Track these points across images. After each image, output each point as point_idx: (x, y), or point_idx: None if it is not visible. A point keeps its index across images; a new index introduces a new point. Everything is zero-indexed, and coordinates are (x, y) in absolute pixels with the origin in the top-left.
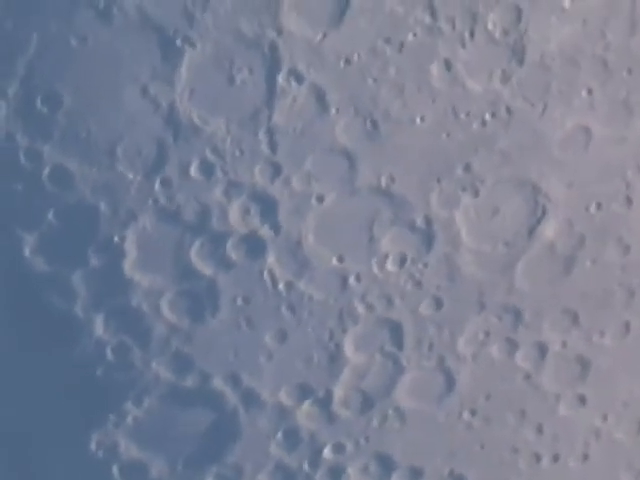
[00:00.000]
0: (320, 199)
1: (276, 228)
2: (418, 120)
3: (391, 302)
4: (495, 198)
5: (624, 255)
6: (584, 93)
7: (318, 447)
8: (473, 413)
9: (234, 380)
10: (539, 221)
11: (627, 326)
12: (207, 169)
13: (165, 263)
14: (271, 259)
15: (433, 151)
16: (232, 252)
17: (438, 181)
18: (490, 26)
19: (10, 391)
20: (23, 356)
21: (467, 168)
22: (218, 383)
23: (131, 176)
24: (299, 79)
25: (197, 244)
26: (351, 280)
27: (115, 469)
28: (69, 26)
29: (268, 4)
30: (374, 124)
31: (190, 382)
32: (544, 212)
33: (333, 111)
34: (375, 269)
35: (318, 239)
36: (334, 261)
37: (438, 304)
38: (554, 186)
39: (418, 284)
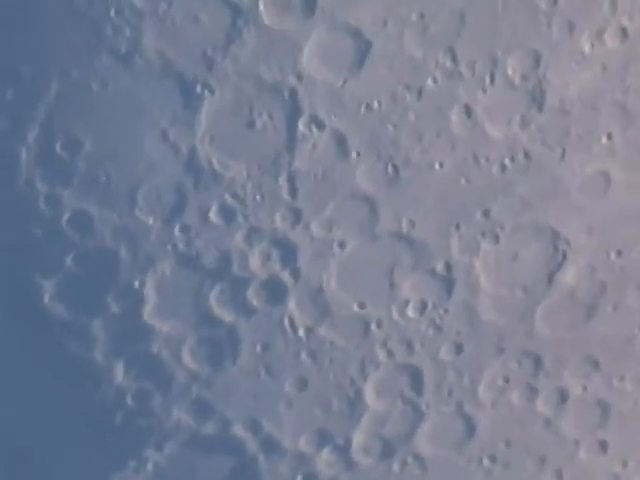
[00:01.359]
0: (341, 245)
1: (296, 274)
2: (438, 165)
3: (411, 348)
4: (514, 244)
5: None
6: (604, 138)
7: None
8: (493, 459)
9: (254, 426)
10: (559, 267)
11: None
12: (227, 214)
13: (185, 309)
14: (292, 305)
15: (453, 196)
16: (252, 298)
17: (457, 227)
18: (510, 71)
19: (31, 438)
20: (44, 403)
21: (486, 213)
22: (238, 429)
23: (151, 221)
24: (320, 125)
25: (217, 290)
26: (372, 326)
27: None
28: (90, 71)
29: (289, 50)
30: (394, 169)
31: (210, 428)
32: (564, 258)
33: (354, 156)
34: (396, 315)
35: (339, 285)
36: (355, 307)
37: (458, 350)
38: (574, 232)
39: (438, 330)
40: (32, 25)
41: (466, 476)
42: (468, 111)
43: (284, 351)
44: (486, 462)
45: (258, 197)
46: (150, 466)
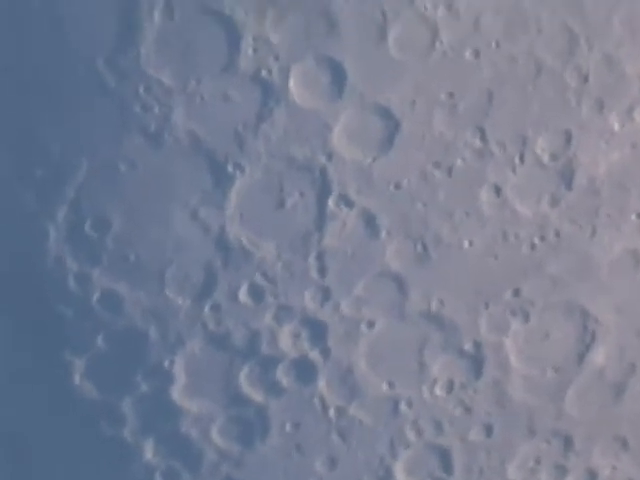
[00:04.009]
0: (370, 324)
1: (326, 353)
2: (467, 244)
3: (441, 428)
4: (544, 323)
5: None
6: (633, 217)
7: None
8: None
9: None
10: (589, 347)
11: None
12: (257, 294)
13: (214, 388)
14: (321, 384)
15: (482, 275)
16: (282, 377)
17: (487, 306)
18: (539, 150)
19: None
20: None
21: (516, 292)
22: None
23: (180, 301)
24: (349, 203)
25: (246, 369)
26: (402, 406)
27: None
28: (118, 150)
29: (319, 129)
30: (424, 248)
31: None
32: (594, 337)
33: (383, 235)
34: (425, 395)
35: (368, 364)
36: (384, 387)
37: (488, 430)
38: (603, 311)
39: (468, 410)
40: (61, 103)
41: None
42: (497, 190)
43: (314, 430)
44: None
45: (288, 276)
46: None
